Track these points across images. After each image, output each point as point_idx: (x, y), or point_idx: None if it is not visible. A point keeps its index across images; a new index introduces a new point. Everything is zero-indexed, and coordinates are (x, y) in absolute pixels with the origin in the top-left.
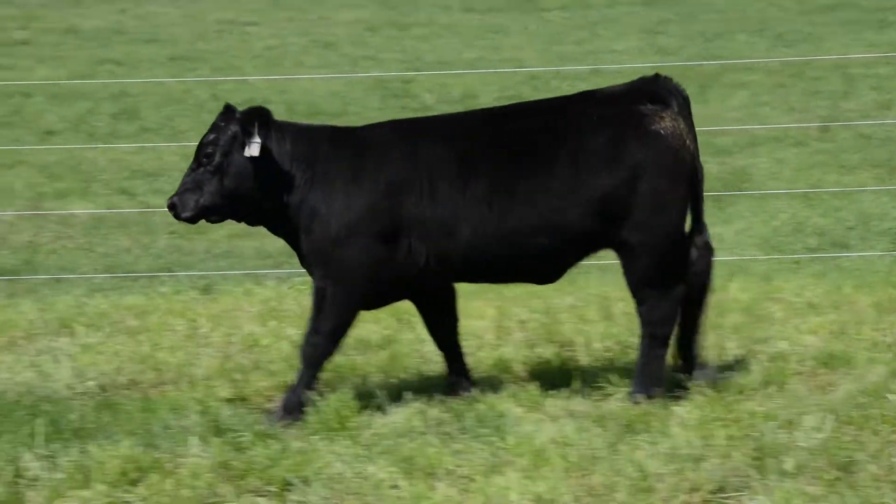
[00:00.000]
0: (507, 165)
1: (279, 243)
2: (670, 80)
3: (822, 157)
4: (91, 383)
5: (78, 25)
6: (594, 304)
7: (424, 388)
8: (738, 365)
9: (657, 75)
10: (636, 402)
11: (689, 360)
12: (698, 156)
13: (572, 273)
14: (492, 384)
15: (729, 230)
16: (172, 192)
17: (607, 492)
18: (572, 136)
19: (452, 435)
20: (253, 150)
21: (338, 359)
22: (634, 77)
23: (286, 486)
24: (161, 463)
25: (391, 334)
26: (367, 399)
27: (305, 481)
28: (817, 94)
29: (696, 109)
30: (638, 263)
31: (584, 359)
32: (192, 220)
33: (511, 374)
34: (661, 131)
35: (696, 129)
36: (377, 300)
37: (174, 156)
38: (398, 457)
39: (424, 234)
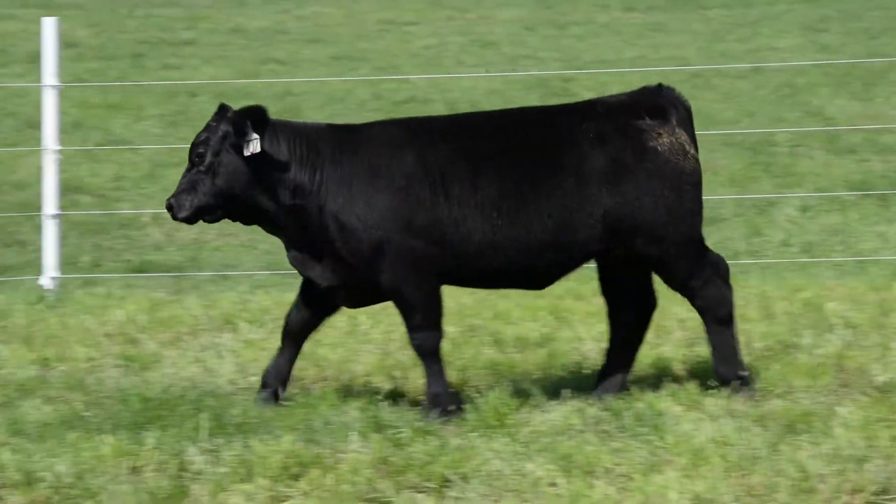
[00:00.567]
0: (508, 177)
1: None
2: (673, 90)
3: None
4: (253, 379)
5: (243, 25)
6: (754, 303)
7: (583, 386)
8: None
9: (660, 85)
10: (729, 385)
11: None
12: (699, 166)
13: (732, 271)
14: (650, 383)
15: (893, 229)
16: (170, 193)
17: (767, 492)
18: (571, 152)
19: (611, 433)
20: (252, 147)
21: (495, 356)
22: (796, 75)
23: (445, 482)
24: (322, 458)
25: (550, 332)
26: (525, 397)
27: (464, 478)
28: None
29: (860, 107)
30: (670, 269)
31: (744, 358)
32: (189, 220)
33: (670, 373)
34: (659, 147)
35: (862, 125)
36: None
37: None
38: (556, 454)
39: (430, 238)
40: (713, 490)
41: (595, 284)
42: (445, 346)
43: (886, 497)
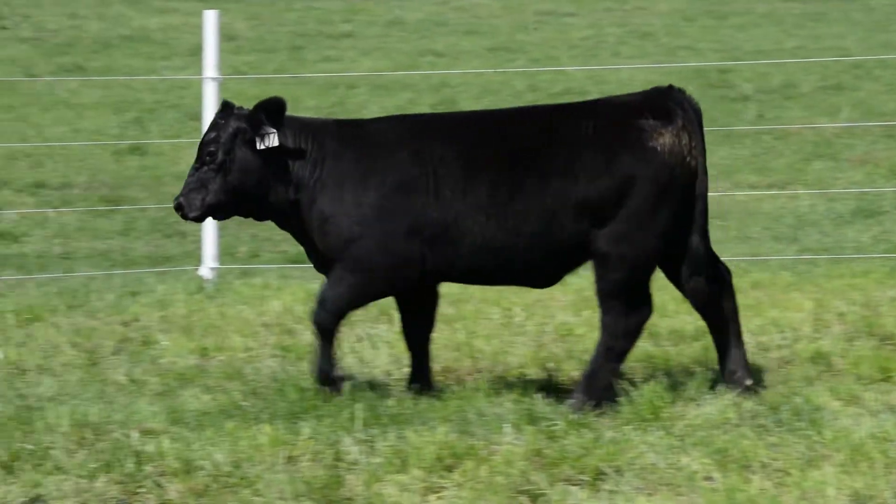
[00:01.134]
0: (507, 172)
1: None
2: (683, 92)
3: None
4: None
5: (401, 18)
6: None
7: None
8: None
9: (671, 87)
10: (572, 408)
11: (732, 371)
12: (705, 170)
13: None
14: (809, 377)
15: None
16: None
17: None
18: (570, 146)
19: (767, 427)
20: (269, 141)
21: (651, 349)
22: None
23: (599, 475)
24: (475, 450)
25: (705, 325)
26: (680, 390)
27: (618, 471)
28: None
29: None
30: (612, 275)
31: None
32: (199, 219)
33: (829, 368)
34: (658, 148)
35: None
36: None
37: None
38: (712, 448)
39: (428, 235)
40: (872, 487)
41: (752, 277)
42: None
43: None
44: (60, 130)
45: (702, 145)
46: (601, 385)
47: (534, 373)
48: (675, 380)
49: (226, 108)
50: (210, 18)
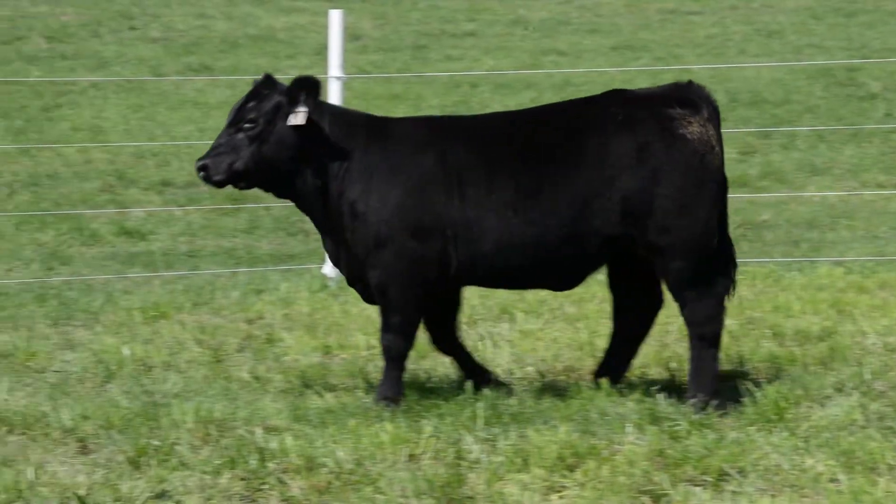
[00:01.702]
0: (534, 169)
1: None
2: (703, 87)
3: None
4: (530, 369)
5: (524, 17)
6: None
7: (866, 380)
8: None
9: (690, 82)
10: (695, 409)
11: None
12: (723, 167)
13: None
14: None
15: None
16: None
17: None
18: (599, 138)
19: (895, 429)
20: (299, 118)
21: (775, 350)
22: None
23: (722, 476)
24: (598, 449)
25: (831, 326)
26: (805, 391)
27: (741, 472)
28: None
29: None
30: (671, 266)
31: None
32: (222, 183)
33: None
34: (688, 135)
35: None
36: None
37: None
38: (837, 450)
39: (453, 236)
40: None
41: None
42: (725, 338)
43: None
44: (187, 129)
45: (721, 141)
46: (710, 377)
47: (656, 372)
48: (799, 381)
49: (268, 80)
50: (335, 18)
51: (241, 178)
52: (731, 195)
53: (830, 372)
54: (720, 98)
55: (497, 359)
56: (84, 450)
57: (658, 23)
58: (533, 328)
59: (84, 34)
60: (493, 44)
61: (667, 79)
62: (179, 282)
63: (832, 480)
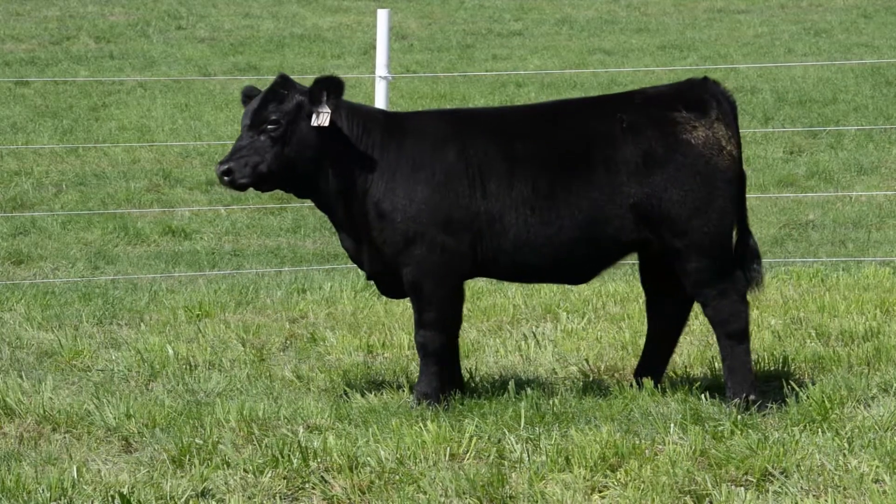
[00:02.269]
0: (546, 170)
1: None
2: (718, 84)
3: None
4: (573, 368)
5: (571, 16)
6: None
7: None
8: None
9: (705, 79)
10: (737, 407)
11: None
12: (741, 162)
13: None
14: None
15: None
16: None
17: None
18: (603, 143)
19: None
20: (322, 119)
21: (820, 350)
22: None
23: (765, 476)
24: (640, 449)
25: (877, 326)
26: (850, 391)
27: (785, 472)
28: None
29: None
30: (689, 266)
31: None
32: (245, 187)
33: None
34: (692, 140)
35: None
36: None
37: None
38: (882, 451)
39: (478, 230)
40: None
41: None
42: (767, 337)
43: None
44: (233, 129)
45: (738, 137)
46: (745, 373)
47: (699, 372)
48: (844, 381)
49: (285, 81)
50: (382, 17)
51: (265, 180)
52: (779, 195)
53: (875, 372)
54: (767, 98)
55: (540, 358)
56: (127, 448)
57: (706, 22)
58: (576, 328)
59: (132, 34)
60: (540, 43)
61: (714, 78)
62: (224, 281)
63: (876, 481)
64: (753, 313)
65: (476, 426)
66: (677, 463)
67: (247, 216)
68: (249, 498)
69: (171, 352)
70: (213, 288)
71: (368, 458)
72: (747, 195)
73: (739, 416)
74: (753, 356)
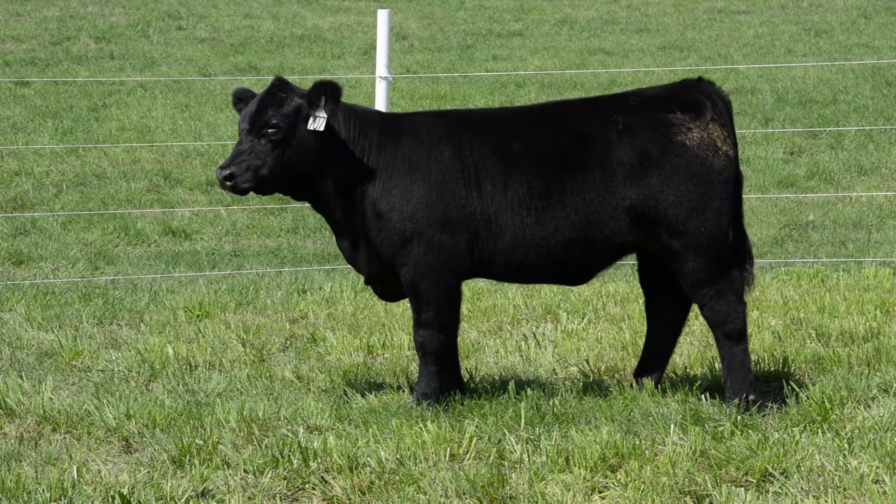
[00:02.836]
0: (542, 171)
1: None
2: (713, 84)
3: None
4: (573, 369)
5: (572, 16)
6: None
7: None
8: None
9: (700, 79)
10: (737, 407)
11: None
12: (737, 163)
13: None
14: None
15: None
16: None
17: None
18: (602, 143)
19: None
20: (318, 124)
21: (820, 350)
22: None
23: (765, 476)
24: (640, 450)
25: (877, 326)
26: (850, 392)
27: (785, 473)
28: None
29: None
30: (686, 267)
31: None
32: (246, 191)
33: None
34: (687, 142)
35: None
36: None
37: None
38: (882, 451)
39: (474, 229)
40: None
41: None
42: (767, 338)
43: None
44: (233, 129)
45: (733, 137)
46: (744, 373)
47: (699, 373)
48: (844, 381)
49: (283, 84)
50: (382, 18)
51: (266, 184)
52: (779, 195)
53: (876, 373)
54: (767, 98)
55: (540, 359)
56: (127, 448)
57: (706, 22)
58: (576, 328)
59: (132, 34)
60: (540, 44)
61: (713, 78)
62: (224, 281)
63: (876, 482)
64: (754, 314)
65: (476, 426)
66: (677, 463)
67: (247, 216)
68: (249, 498)
69: (171, 352)
70: (213, 288)
71: (368, 459)
72: (747, 196)
73: (739, 417)
74: (753, 357)
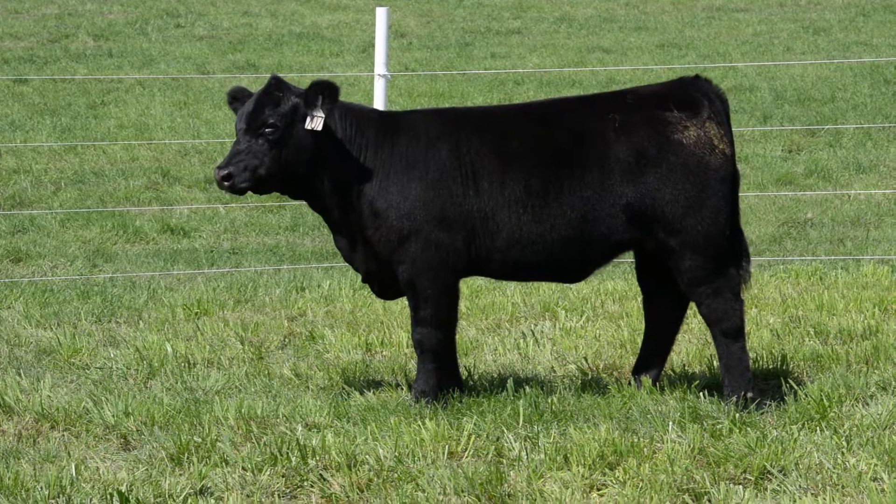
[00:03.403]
0: (539, 168)
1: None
2: (709, 82)
3: None
4: (572, 366)
5: (570, 14)
6: None
7: None
8: None
9: (696, 77)
10: (736, 405)
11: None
12: (734, 161)
13: None
14: None
15: None
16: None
17: None
18: (599, 141)
19: None
20: (316, 123)
21: (819, 348)
22: None
23: (763, 474)
24: (639, 447)
25: (875, 324)
26: (848, 389)
27: (783, 471)
28: None
29: None
30: (683, 265)
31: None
32: (244, 191)
33: None
34: (684, 140)
35: None
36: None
37: None
38: (880, 449)
39: (472, 227)
40: None
41: None
42: (765, 336)
43: None
44: (232, 127)
45: (730, 135)
46: (742, 371)
47: (698, 371)
48: (843, 379)
49: (279, 83)
50: (381, 15)
51: (264, 184)
52: (777, 193)
53: (874, 370)
54: (766, 96)
55: (539, 356)
56: (126, 446)
57: (704, 20)
58: (575, 326)
59: (130, 32)
60: (539, 41)
61: (712, 76)
62: (222, 279)
63: (874, 479)
64: (752, 312)
65: (475, 424)
66: (676, 461)
67: (245, 214)
68: (248, 496)
69: (169, 350)
70: (211, 286)
71: (367, 456)
72: (745, 193)
73: (738, 415)
74: (752, 354)
